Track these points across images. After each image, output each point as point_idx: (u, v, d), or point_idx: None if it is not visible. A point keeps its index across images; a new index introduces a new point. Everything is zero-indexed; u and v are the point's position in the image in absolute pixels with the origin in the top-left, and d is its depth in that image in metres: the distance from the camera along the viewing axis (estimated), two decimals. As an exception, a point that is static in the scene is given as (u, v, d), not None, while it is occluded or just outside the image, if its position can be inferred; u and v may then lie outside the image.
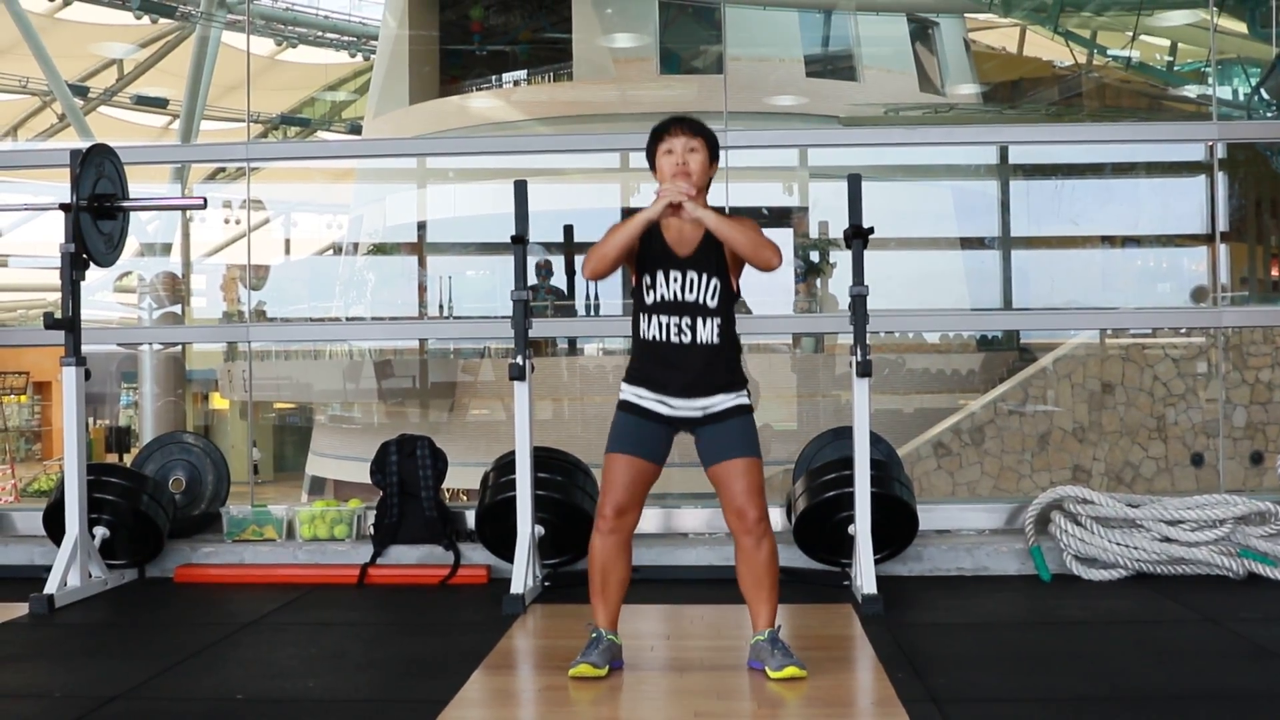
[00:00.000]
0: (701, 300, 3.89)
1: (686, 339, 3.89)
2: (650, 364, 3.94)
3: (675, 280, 3.90)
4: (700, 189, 3.93)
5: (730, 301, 3.95)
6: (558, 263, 10.06)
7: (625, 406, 3.96)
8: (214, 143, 14.62)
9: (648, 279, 3.92)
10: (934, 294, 11.16)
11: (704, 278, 3.89)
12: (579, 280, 10.08)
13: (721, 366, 3.92)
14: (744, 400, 3.94)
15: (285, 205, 13.01)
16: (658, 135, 3.98)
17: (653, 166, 4.01)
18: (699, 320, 3.89)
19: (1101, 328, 10.30)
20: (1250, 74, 10.94)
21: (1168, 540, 5.41)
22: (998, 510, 6.19)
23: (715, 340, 3.90)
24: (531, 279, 11.86)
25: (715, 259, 3.90)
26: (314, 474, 13.00)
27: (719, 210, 3.93)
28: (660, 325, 3.91)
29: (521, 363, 5.23)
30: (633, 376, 3.98)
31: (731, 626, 4.45)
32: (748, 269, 3.96)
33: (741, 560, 3.92)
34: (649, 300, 3.92)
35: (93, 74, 16.51)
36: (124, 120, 16.93)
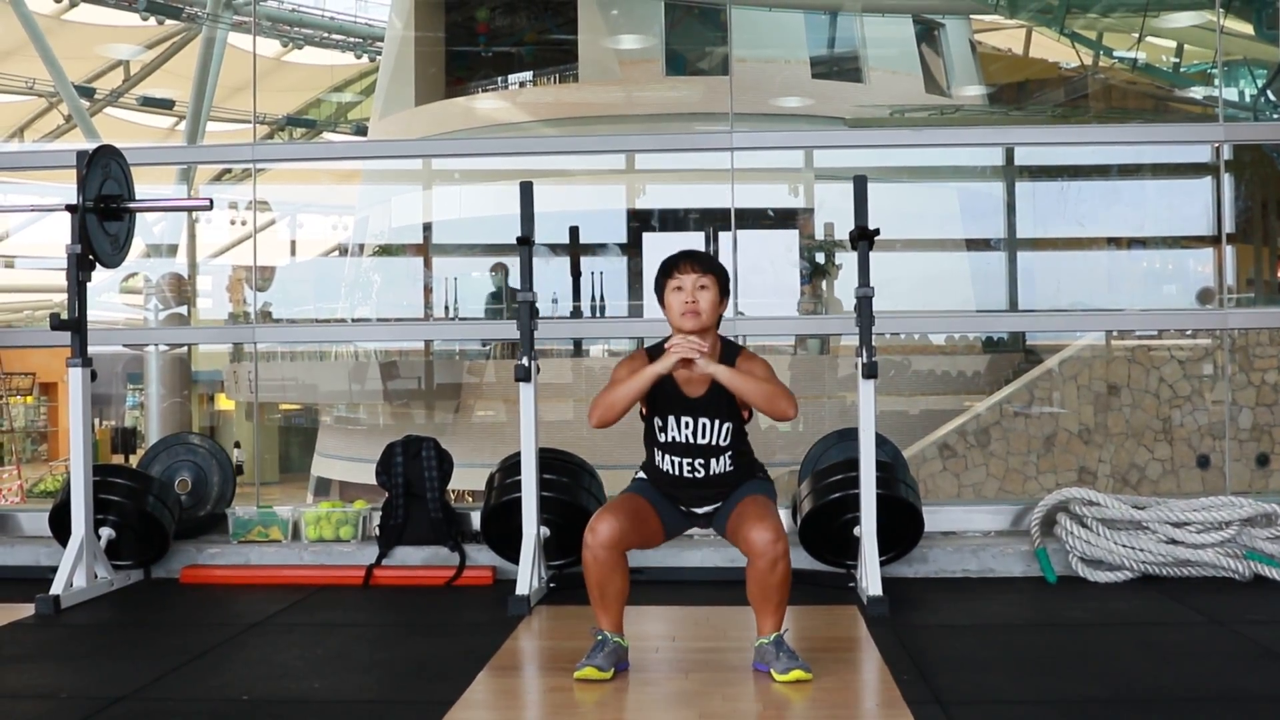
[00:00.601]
0: (714, 443, 3.94)
1: (700, 475, 3.97)
2: (665, 484, 4.03)
3: (687, 426, 3.93)
4: (710, 327, 3.91)
5: (743, 433, 4.01)
6: (562, 264, 10.06)
7: (647, 479, 4.07)
8: (220, 144, 14.65)
9: (659, 421, 3.96)
10: (940, 296, 11.15)
11: (716, 422, 3.93)
12: (582, 283, 10.08)
13: (734, 482, 4.01)
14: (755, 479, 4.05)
15: (291, 206, 13.04)
16: (667, 271, 3.95)
17: (661, 301, 3.98)
18: (712, 459, 3.96)
19: (1107, 329, 10.29)
20: (1257, 75, 10.92)
21: (1174, 542, 5.40)
22: (1003, 512, 6.19)
23: (728, 469, 3.98)
24: (490, 286, 11.92)
25: (726, 401, 3.91)
26: (319, 475, 13.01)
27: (730, 346, 3.97)
28: (674, 464, 3.98)
29: (527, 364, 5.23)
30: (650, 477, 4.07)
31: (737, 628, 4.45)
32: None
33: (753, 579, 3.82)
34: (661, 440, 3.97)
35: (99, 75, 16.55)
36: (130, 121, 16.96)
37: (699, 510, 4.04)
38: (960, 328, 10.41)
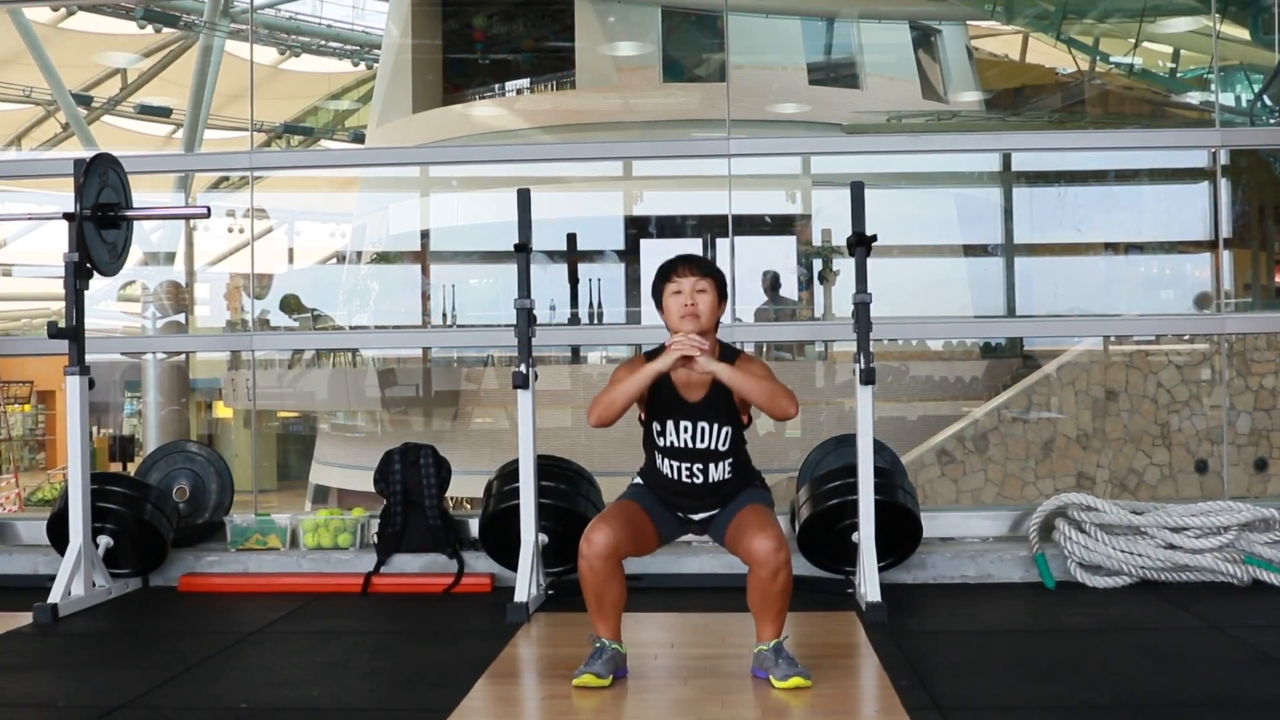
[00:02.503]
0: (713, 447, 3.94)
1: (699, 480, 3.96)
2: (663, 490, 4.02)
3: (686, 430, 3.92)
4: (708, 330, 3.91)
5: (742, 439, 4.00)
6: (559, 270, 10.05)
7: (644, 484, 4.06)
8: (217, 152, 14.62)
9: (658, 425, 3.95)
10: (937, 301, 11.15)
11: (715, 427, 3.92)
12: (580, 287, 10.07)
13: (732, 489, 4.01)
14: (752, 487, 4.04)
15: (289, 214, 13.03)
16: (665, 274, 3.95)
17: (659, 304, 3.98)
18: (711, 465, 3.95)
19: (1105, 334, 10.30)
20: (1253, 80, 10.93)
21: (1172, 547, 5.40)
22: (1002, 517, 6.19)
23: (727, 476, 3.98)
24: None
25: (725, 405, 3.91)
26: (318, 482, 13.00)
27: (728, 349, 3.97)
28: (673, 468, 3.97)
29: (525, 371, 5.23)
30: (648, 482, 4.06)
31: (735, 634, 4.45)
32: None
33: (754, 587, 3.82)
34: (660, 444, 3.97)
35: (96, 83, 16.54)
36: (127, 129, 16.95)
37: (695, 516, 4.04)
38: (958, 333, 10.39)
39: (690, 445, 3.93)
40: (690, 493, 3.99)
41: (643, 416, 4.02)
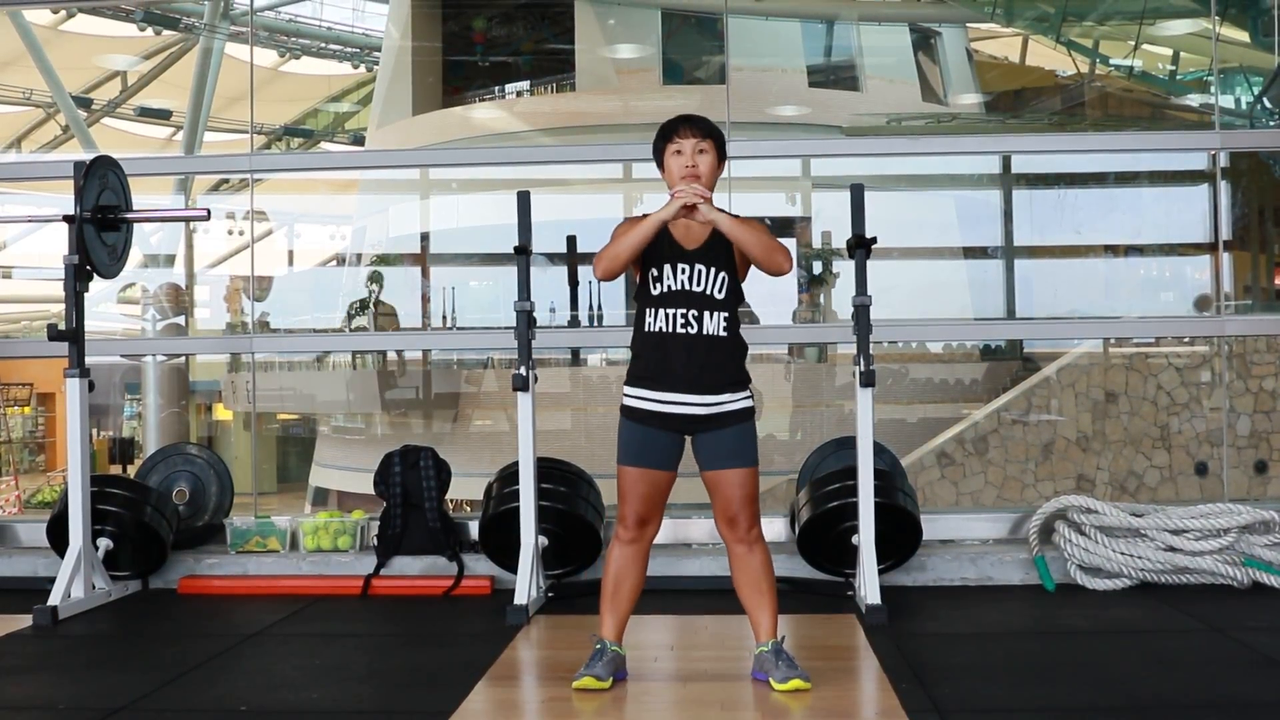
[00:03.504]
0: (709, 292, 3.87)
1: (693, 330, 3.86)
2: (654, 357, 3.90)
3: (683, 272, 3.88)
4: (708, 189, 3.92)
5: (737, 298, 3.94)
6: (559, 273, 10.04)
7: (629, 413, 3.93)
8: (217, 154, 14.63)
9: (654, 272, 3.90)
10: (937, 304, 11.15)
11: (712, 270, 3.88)
12: (580, 292, 10.07)
13: (726, 362, 3.91)
14: (747, 403, 3.93)
15: (288, 216, 13.03)
16: (666, 135, 3.97)
17: (660, 165, 4.00)
18: (705, 313, 3.86)
19: (1105, 337, 10.29)
20: (1253, 82, 10.93)
21: (1172, 550, 5.40)
22: (1001, 520, 6.19)
23: (721, 333, 3.88)
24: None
25: (724, 253, 3.90)
26: (317, 485, 12.98)
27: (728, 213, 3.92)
28: (667, 317, 3.87)
29: (525, 373, 5.23)
30: (635, 377, 3.95)
31: (735, 637, 4.45)
32: (754, 271, 3.95)
33: (736, 568, 3.93)
34: (655, 292, 3.89)
35: (96, 86, 16.53)
36: (127, 132, 16.96)
37: (688, 409, 3.87)
38: (958, 336, 10.38)
39: (686, 288, 3.87)
40: (683, 353, 3.86)
41: (638, 278, 3.97)
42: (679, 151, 3.93)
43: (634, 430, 3.92)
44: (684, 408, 3.88)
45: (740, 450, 3.89)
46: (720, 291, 3.88)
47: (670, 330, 3.87)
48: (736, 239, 3.83)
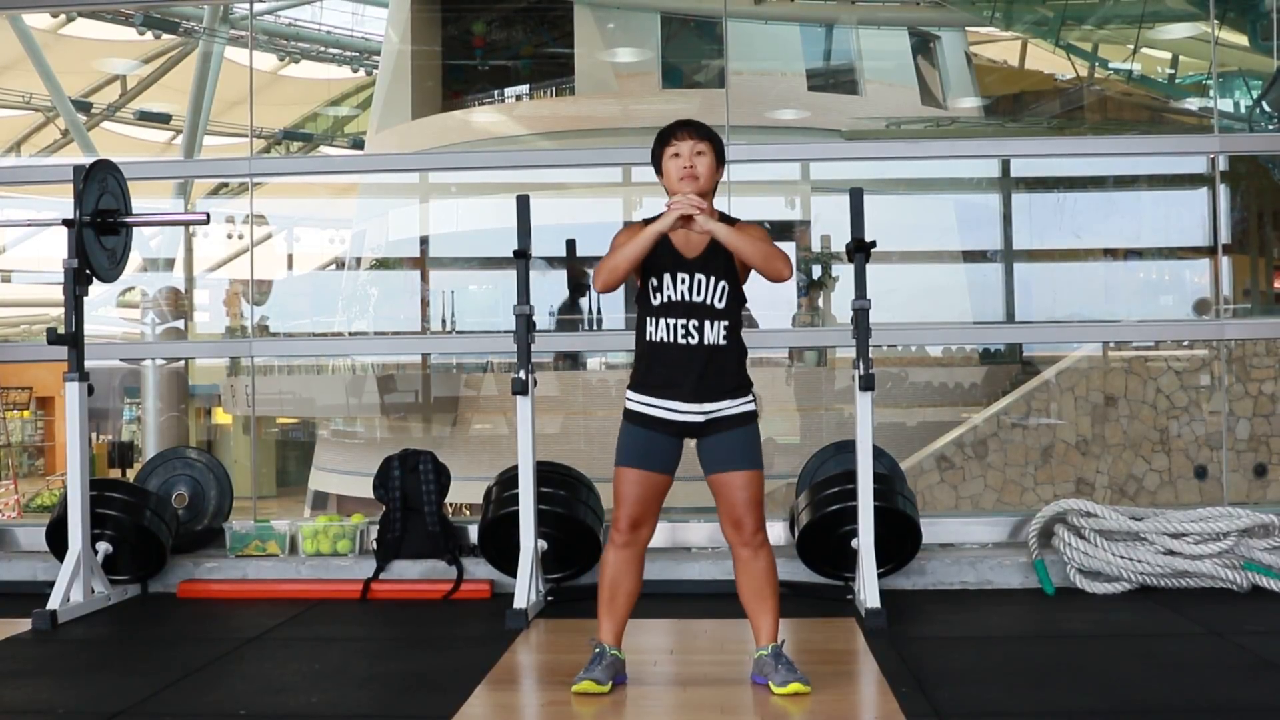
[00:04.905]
0: (709, 302, 3.87)
1: (694, 340, 3.86)
2: (657, 367, 3.90)
3: (683, 282, 3.87)
4: (707, 193, 3.92)
5: (738, 305, 3.94)
6: (558, 277, 10.05)
7: (631, 417, 3.93)
8: (217, 158, 14.64)
9: (654, 281, 3.90)
10: (936, 307, 11.15)
11: (712, 280, 3.87)
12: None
13: (728, 369, 3.90)
14: (750, 407, 3.93)
15: (288, 220, 13.01)
16: (664, 139, 3.97)
17: (658, 170, 4.00)
18: (706, 322, 3.86)
19: (1104, 340, 10.30)
20: (1252, 86, 10.94)
21: (1171, 553, 5.40)
22: (1001, 524, 6.19)
23: (722, 342, 3.88)
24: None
25: (724, 261, 3.88)
26: (317, 489, 12.98)
27: (726, 218, 3.92)
28: (667, 328, 3.87)
29: (524, 377, 5.23)
30: (638, 384, 3.95)
31: (735, 641, 4.44)
32: (754, 275, 3.95)
33: (740, 571, 3.93)
34: (656, 302, 3.89)
35: (96, 90, 16.54)
36: (127, 136, 16.96)
37: (690, 416, 3.86)
38: (957, 339, 10.38)
39: (686, 298, 3.87)
40: (685, 363, 3.86)
41: (639, 285, 3.97)
42: (676, 154, 3.93)
43: (636, 434, 3.92)
44: (687, 415, 3.89)
45: (745, 453, 3.89)
46: (720, 300, 3.88)
47: (671, 341, 3.88)
48: (735, 249, 3.83)
